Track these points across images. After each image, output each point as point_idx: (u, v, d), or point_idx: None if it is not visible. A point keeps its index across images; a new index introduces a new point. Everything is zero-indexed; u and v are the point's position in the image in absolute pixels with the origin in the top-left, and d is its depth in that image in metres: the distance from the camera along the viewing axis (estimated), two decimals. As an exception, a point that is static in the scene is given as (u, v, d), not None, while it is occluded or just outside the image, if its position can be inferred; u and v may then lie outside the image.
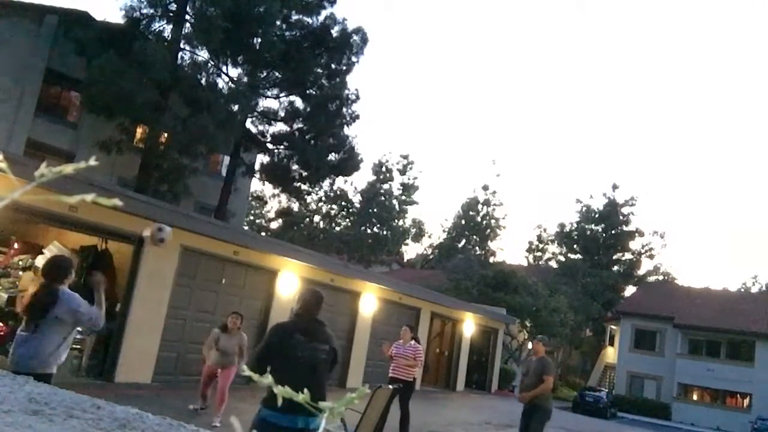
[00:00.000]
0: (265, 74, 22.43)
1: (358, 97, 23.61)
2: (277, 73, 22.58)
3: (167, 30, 20.37)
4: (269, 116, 24.18)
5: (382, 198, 41.32)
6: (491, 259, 45.09)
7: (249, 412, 9.06)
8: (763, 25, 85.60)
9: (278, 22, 21.17)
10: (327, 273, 14.31)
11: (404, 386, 9.20)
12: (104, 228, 9.96)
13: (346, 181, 39.44)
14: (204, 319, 11.36)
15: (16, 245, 11.78)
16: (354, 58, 22.99)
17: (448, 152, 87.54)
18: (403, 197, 43.15)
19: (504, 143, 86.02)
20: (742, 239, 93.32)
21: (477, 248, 47.07)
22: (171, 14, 20.05)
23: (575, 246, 47.37)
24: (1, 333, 10.63)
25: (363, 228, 40.19)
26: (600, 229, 46.98)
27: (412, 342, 9.73)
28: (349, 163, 25.10)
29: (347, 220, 41.79)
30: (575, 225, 48.00)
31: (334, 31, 22.50)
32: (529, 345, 30.39)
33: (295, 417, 3.92)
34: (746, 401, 32.33)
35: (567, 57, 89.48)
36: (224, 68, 21.98)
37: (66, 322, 4.44)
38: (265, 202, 42.57)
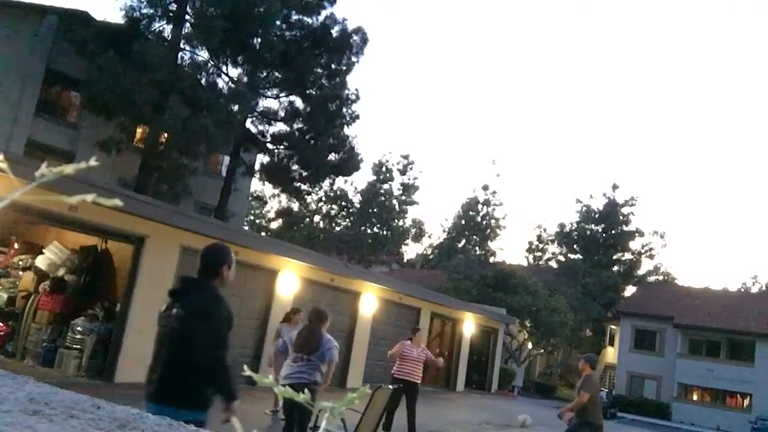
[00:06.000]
0: (265, 74, 22.43)
1: (358, 97, 23.65)
2: (277, 73, 22.58)
3: (167, 30, 20.39)
4: (269, 116, 24.19)
5: (382, 198, 41.28)
6: (491, 259, 45.07)
7: (250, 412, 9.08)
8: (763, 25, 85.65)
9: (278, 22, 21.18)
10: (327, 273, 14.31)
11: (413, 388, 9.56)
12: (104, 228, 9.95)
13: (346, 181, 39.47)
14: (204, 319, 11.33)
15: (16, 245, 11.79)
16: (354, 58, 23.02)
17: (448, 152, 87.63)
18: (403, 197, 43.09)
19: (504, 143, 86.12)
20: (742, 239, 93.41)
21: (477, 248, 47.00)
22: (171, 14, 20.05)
23: (575, 246, 47.30)
24: (1, 333, 10.65)
25: (363, 228, 40.15)
26: (600, 229, 46.91)
27: (422, 346, 10.13)
28: (349, 163, 25.11)
29: (347, 220, 41.74)
30: (575, 225, 47.92)
31: (334, 31, 22.51)
32: (529, 345, 30.57)
33: (146, 403, 3.21)
34: (746, 401, 32.29)
35: (567, 57, 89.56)
36: (224, 68, 22.01)
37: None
38: (265, 202, 42.58)
